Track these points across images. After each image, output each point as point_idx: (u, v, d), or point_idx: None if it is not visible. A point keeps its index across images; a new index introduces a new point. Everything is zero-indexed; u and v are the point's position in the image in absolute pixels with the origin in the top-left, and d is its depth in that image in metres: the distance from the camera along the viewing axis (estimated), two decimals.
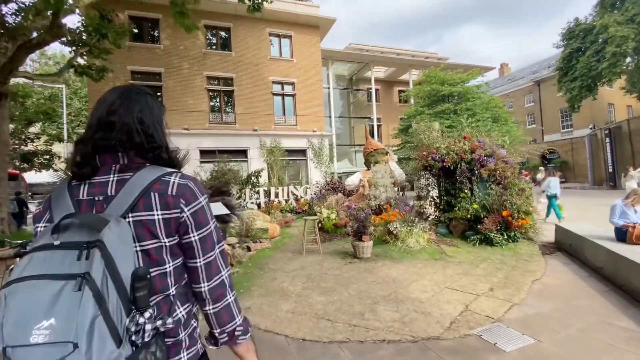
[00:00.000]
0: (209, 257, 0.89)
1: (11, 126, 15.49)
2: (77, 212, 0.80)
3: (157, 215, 0.81)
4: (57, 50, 25.57)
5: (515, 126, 17.19)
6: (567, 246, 5.68)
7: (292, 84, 17.51)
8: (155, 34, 15.44)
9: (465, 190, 6.72)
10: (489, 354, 2.67)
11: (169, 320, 0.77)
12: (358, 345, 2.90)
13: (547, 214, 8.73)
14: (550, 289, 4.06)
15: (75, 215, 0.76)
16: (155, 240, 0.81)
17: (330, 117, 20.99)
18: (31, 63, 24.24)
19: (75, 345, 0.60)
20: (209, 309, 0.90)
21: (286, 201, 12.72)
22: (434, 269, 4.84)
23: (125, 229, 0.76)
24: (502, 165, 6.45)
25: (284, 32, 17.45)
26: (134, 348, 0.69)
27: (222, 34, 16.59)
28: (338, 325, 3.24)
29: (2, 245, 4.64)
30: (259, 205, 12.19)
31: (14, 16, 8.00)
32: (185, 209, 0.84)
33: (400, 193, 9.43)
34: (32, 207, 13.83)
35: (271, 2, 9.91)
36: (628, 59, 17.85)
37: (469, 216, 6.44)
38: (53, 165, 18.16)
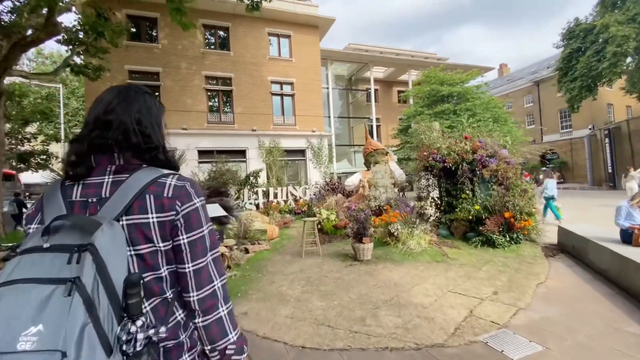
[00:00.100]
0: (199, 264, 0.83)
1: (7, 126, 15.39)
2: (69, 213, 0.76)
3: (152, 218, 0.77)
4: (54, 49, 25.45)
5: (515, 126, 17.17)
6: (570, 248, 5.60)
7: (291, 83, 17.39)
8: (153, 33, 15.31)
9: (467, 191, 6.64)
10: None
11: (162, 329, 0.73)
12: (360, 353, 2.80)
13: (544, 215, 8.93)
14: (555, 293, 3.98)
15: (66, 216, 0.73)
16: (150, 245, 0.78)
17: (329, 117, 20.90)
18: (28, 62, 24.09)
19: (64, 354, 0.56)
20: (198, 322, 0.83)
21: (285, 202, 12.61)
22: (436, 272, 4.75)
23: (119, 232, 0.73)
24: (504, 165, 6.38)
25: (283, 31, 17.34)
26: (124, 358, 0.65)
27: (221, 33, 16.46)
28: (339, 332, 3.14)
29: None
30: (257, 205, 12.10)
31: (9, 14, 7.89)
32: (179, 210, 0.80)
33: (401, 194, 9.35)
34: None
35: (270, 1, 9.82)
36: (629, 59, 17.86)
37: (470, 217, 6.35)
38: (50, 166, 18.05)
